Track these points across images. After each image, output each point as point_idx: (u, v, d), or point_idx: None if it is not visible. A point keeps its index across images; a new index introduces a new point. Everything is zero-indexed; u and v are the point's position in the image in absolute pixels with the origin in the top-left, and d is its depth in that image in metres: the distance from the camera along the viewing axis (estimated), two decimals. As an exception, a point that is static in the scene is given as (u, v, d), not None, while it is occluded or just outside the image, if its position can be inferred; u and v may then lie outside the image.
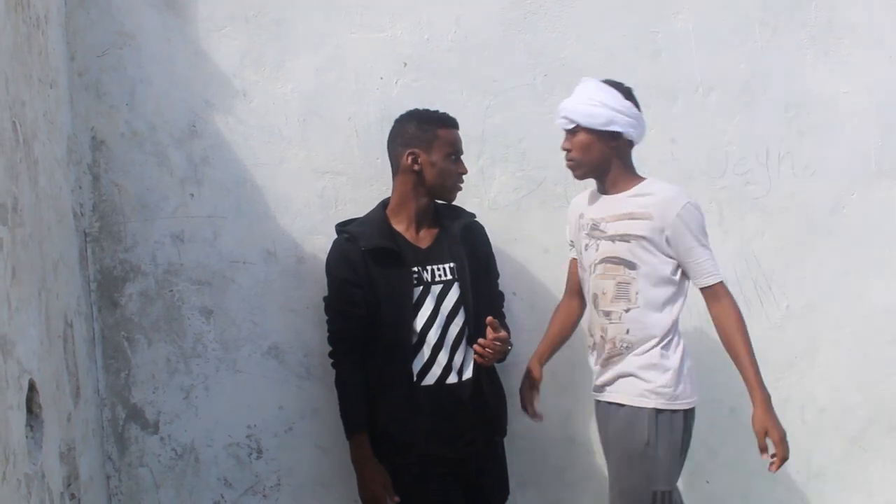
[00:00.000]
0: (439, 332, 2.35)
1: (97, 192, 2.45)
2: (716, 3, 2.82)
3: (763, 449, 2.27)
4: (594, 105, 2.31)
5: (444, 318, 2.36)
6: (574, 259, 2.55)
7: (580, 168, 2.39)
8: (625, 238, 2.31)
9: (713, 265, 2.32)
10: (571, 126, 2.35)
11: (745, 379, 2.31)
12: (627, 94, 2.37)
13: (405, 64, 2.64)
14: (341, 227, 2.42)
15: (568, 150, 2.38)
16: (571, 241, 2.54)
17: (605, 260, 2.35)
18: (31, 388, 1.72)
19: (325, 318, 2.41)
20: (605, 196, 2.41)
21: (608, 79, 2.39)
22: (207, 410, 2.54)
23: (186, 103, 2.50)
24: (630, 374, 2.33)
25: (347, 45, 2.60)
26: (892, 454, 3.03)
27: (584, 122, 2.32)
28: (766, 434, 2.26)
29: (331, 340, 2.40)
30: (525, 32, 2.71)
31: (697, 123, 2.83)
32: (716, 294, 2.33)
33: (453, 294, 2.38)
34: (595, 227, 2.39)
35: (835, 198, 2.93)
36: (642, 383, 2.31)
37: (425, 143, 2.35)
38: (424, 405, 2.34)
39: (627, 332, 2.32)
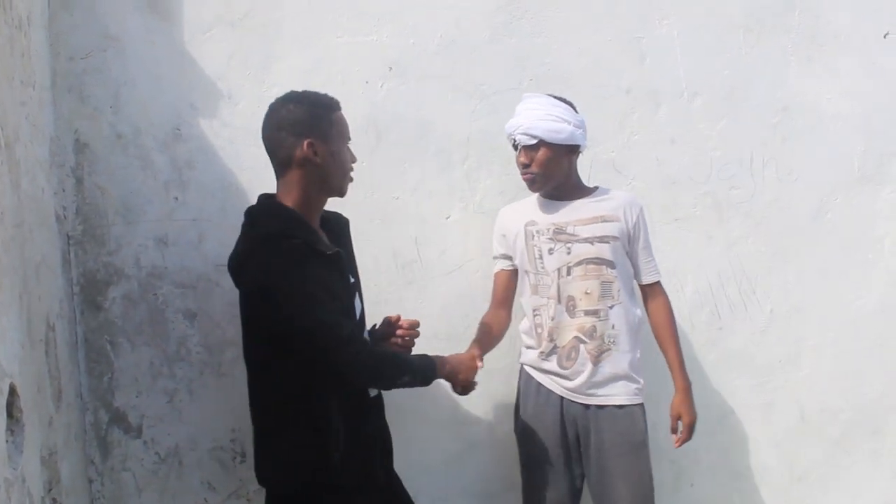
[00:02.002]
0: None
1: (80, 195, 2.44)
2: (701, 10, 2.84)
3: (673, 430, 2.55)
4: (555, 121, 2.41)
5: (363, 324, 2.24)
6: (503, 271, 2.58)
7: (544, 182, 2.48)
8: (604, 239, 2.45)
9: (656, 264, 2.57)
10: (533, 142, 2.41)
11: (671, 366, 2.56)
12: (574, 107, 2.49)
13: (391, 68, 2.64)
14: (281, 229, 2.03)
15: (526, 165, 2.45)
16: (504, 254, 2.57)
17: (584, 262, 2.44)
18: (12, 391, 1.71)
19: (318, 330, 1.99)
20: (561, 202, 2.50)
21: (549, 94, 2.50)
22: (191, 414, 2.53)
23: (171, 106, 2.49)
24: (623, 376, 2.47)
25: (333, 48, 2.60)
26: (875, 457, 3.05)
27: (548, 137, 2.41)
28: (679, 418, 2.53)
29: (355, 342, 2.03)
30: (511, 37, 2.72)
31: (682, 128, 2.84)
32: (658, 290, 2.58)
33: (359, 298, 2.24)
34: (560, 231, 2.46)
35: (818, 203, 2.95)
36: (633, 384, 2.49)
37: (322, 130, 2.07)
38: (370, 420, 2.16)
39: (613, 327, 2.46)
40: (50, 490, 1.98)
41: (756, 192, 2.90)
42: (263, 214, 2.10)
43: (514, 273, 2.57)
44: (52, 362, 2.11)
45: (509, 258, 2.57)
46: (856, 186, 2.97)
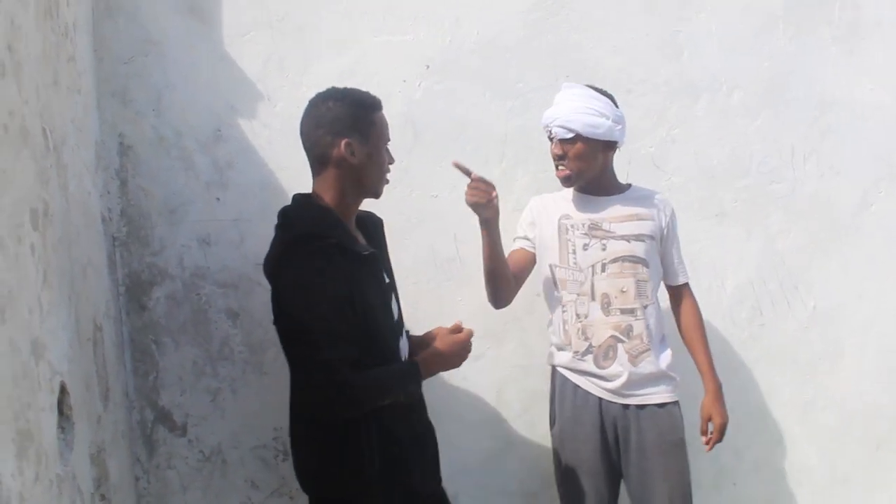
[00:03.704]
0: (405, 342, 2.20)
1: (125, 197, 2.48)
2: (738, 3, 2.81)
3: (704, 432, 2.52)
4: (594, 115, 2.37)
5: (401, 326, 2.19)
6: (523, 250, 2.53)
7: (578, 178, 2.45)
8: (640, 238, 2.44)
9: (685, 265, 2.57)
10: (570, 135, 2.38)
11: (701, 368, 2.54)
12: (614, 101, 2.45)
13: (427, 67, 2.65)
14: (314, 229, 1.99)
15: (561, 157, 2.41)
16: (528, 237, 2.53)
17: (619, 259, 2.42)
18: (62, 390, 1.74)
19: (309, 352, 1.91)
20: (597, 198, 2.48)
21: (591, 85, 2.46)
22: (234, 413, 2.56)
23: (211, 108, 2.52)
24: (662, 375, 2.45)
25: (370, 48, 2.62)
26: (921, 456, 3.00)
27: (585, 131, 2.37)
28: (709, 419, 2.51)
29: (330, 371, 1.89)
30: (547, 34, 2.72)
31: (720, 123, 2.82)
32: (687, 292, 2.59)
33: (395, 299, 2.18)
34: (595, 227, 2.44)
35: (860, 197, 2.91)
36: (671, 382, 2.47)
37: (361, 131, 2.02)
38: (417, 427, 2.13)
39: (648, 326, 2.43)
40: (99, 487, 2.01)
41: (797, 187, 2.87)
42: (297, 214, 2.07)
43: (532, 256, 2.53)
44: (100, 361, 2.15)
45: (532, 242, 2.53)
46: (899, 180, 2.93)
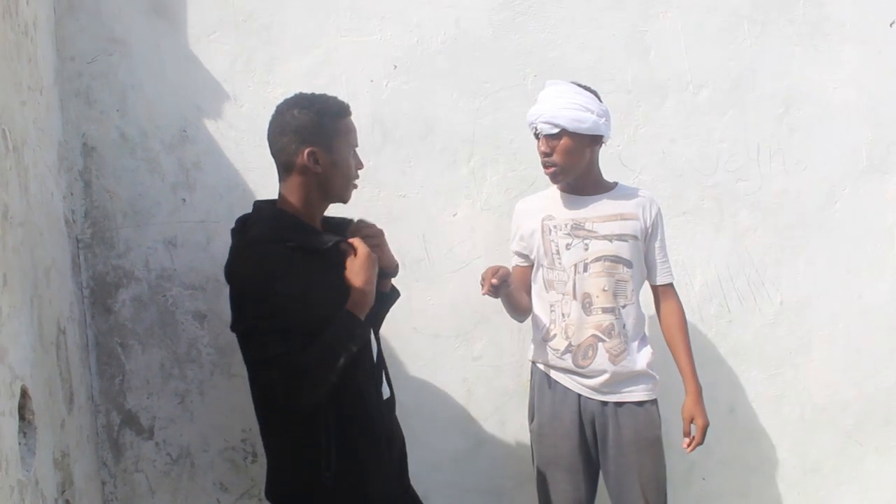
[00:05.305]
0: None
1: (89, 199, 2.45)
2: (704, 2, 2.83)
3: (686, 434, 2.51)
4: (578, 109, 2.35)
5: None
6: (518, 268, 2.52)
7: (566, 174, 2.41)
8: (623, 238, 2.42)
9: (670, 266, 2.55)
10: (555, 130, 2.35)
11: (683, 371, 2.53)
12: (598, 96, 2.44)
13: (395, 66, 2.65)
14: (265, 234, 1.98)
15: (548, 154, 2.39)
16: (519, 252, 2.51)
17: (601, 258, 2.41)
18: (24, 394, 1.72)
19: (261, 351, 1.90)
20: (581, 197, 2.46)
21: (573, 81, 2.44)
22: (202, 415, 2.54)
23: (177, 109, 2.50)
24: (642, 373, 2.45)
25: (337, 48, 2.61)
26: (887, 448, 3.04)
27: (571, 126, 2.34)
28: (692, 421, 2.50)
29: (282, 363, 1.87)
30: (515, 33, 2.72)
31: (688, 121, 2.84)
32: (671, 292, 2.56)
33: None
34: (578, 226, 2.43)
35: (826, 193, 2.95)
36: (650, 380, 2.48)
37: (325, 139, 2.00)
38: (378, 433, 2.07)
39: (624, 326, 2.43)
40: (63, 492, 1.99)
41: (763, 184, 2.90)
42: (255, 219, 2.05)
43: (529, 269, 2.53)
44: (64, 365, 2.12)
45: (525, 255, 2.51)
46: (864, 176, 2.96)
